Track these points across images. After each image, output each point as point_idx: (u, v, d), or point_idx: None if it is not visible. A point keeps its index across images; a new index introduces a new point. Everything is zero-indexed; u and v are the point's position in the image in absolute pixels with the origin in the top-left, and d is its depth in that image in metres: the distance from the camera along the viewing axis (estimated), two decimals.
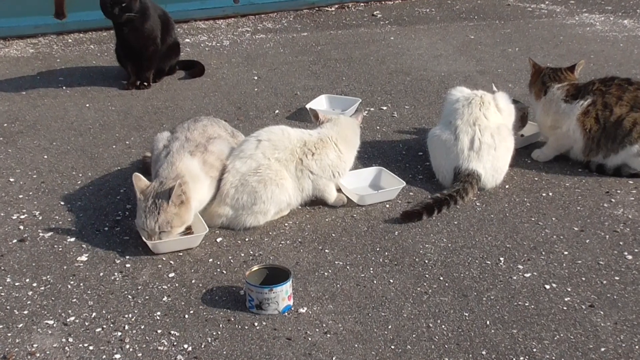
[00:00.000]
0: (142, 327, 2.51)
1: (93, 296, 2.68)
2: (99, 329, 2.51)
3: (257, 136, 3.17)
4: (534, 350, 2.38)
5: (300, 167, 3.12)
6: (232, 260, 2.89)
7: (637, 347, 2.40)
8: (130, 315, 2.57)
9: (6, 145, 3.98)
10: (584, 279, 2.74)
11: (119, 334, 2.48)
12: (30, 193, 3.46)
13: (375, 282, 2.74)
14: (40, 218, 3.23)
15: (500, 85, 4.75)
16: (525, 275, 2.77)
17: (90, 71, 5.24)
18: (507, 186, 3.46)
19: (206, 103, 4.59)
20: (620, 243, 2.98)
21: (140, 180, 2.92)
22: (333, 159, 3.18)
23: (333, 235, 3.07)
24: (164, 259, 2.90)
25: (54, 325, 2.53)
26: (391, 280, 2.74)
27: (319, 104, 4.39)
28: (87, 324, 2.53)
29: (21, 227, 3.15)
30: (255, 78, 5.05)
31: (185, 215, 2.89)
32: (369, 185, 3.47)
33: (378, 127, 4.16)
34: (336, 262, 2.87)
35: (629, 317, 2.53)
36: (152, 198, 2.85)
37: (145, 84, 4.83)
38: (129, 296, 2.67)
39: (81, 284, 2.75)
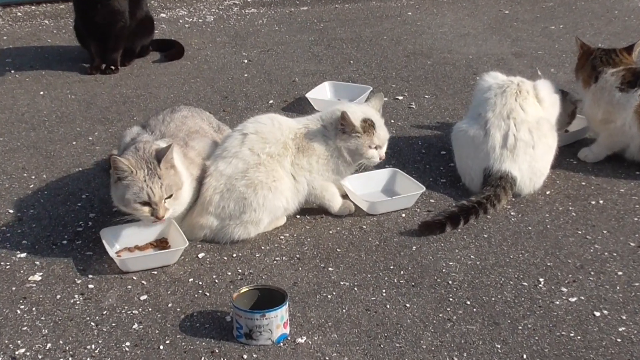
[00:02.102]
0: None
1: (48, 323, 2.70)
2: None
3: (242, 129, 3.20)
4: None
5: (295, 163, 3.16)
6: (216, 280, 2.92)
7: None
8: (93, 347, 2.59)
9: None
10: None
11: None
12: None
13: (388, 306, 2.76)
14: None
15: (541, 70, 4.78)
16: (570, 299, 2.79)
17: (45, 52, 5.27)
18: (548, 192, 3.48)
19: (186, 91, 4.62)
20: None
21: (121, 161, 2.91)
22: (321, 154, 3.20)
23: (338, 250, 3.10)
24: (134, 278, 2.92)
25: (0, 359, 2.55)
26: (408, 305, 2.77)
27: (322, 92, 4.42)
28: (40, 357, 2.55)
29: None
30: (245, 61, 5.08)
31: (178, 177, 2.99)
32: (382, 190, 3.50)
33: (392, 121, 4.19)
34: (341, 283, 2.89)
35: None
36: (144, 166, 2.92)
37: (112, 67, 4.86)
38: (92, 323, 2.70)
39: (34, 309, 2.77)
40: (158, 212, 2.93)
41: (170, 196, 2.95)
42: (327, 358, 2.52)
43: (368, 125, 3.18)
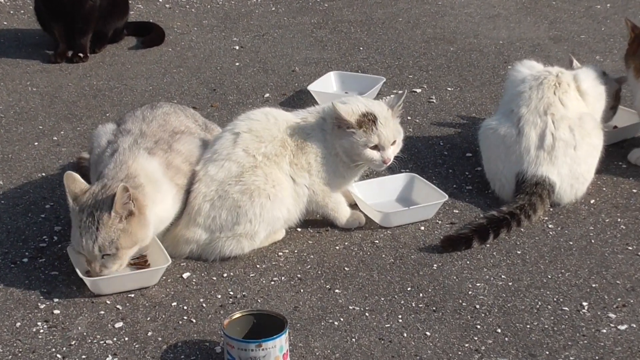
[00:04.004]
0: None
1: (6, 356, 2.71)
2: None
3: (234, 128, 3.23)
4: None
5: (294, 162, 3.19)
6: (204, 304, 2.94)
7: None
8: None
9: None
10: None
11: None
12: None
13: (405, 335, 2.78)
14: None
15: (584, 57, 4.79)
16: (619, 327, 2.80)
17: (1, 35, 5.29)
18: (592, 201, 3.50)
19: (167, 83, 4.64)
20: None
21: (74, 182, 2.97)
22: (319, 152, 3.22)
23: (346, 269, 3.12)
24: (108, 302, 2.94)
25: None
26: (428, 333, 2.79)
27: (326, 84, 4.45)
28: None
29: None
30: (237, 48, 5.10)
31: (139, 231, 2.94)
32: (397, 199, 3.52)
33: (409, 118, 4.21)
34: (350, 307, 2.91)
35: None
36: (89, 208, 2.90)
37: (81, 54, 4.89)
38: (58, 355, 2.71)
39: None
40: (91, 269, 2.93)
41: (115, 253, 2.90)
42: None
43: (368, 120, 3.16)
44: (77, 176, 2.98)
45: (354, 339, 2.76)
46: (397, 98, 3.28)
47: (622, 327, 2.79)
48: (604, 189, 3.58)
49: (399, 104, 3.25)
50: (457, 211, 3.44)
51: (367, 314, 2.87)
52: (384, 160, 3.21)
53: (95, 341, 2.76)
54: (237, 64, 4.86)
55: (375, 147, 3.19)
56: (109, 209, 2.87)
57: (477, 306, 2.90)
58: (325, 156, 3.23)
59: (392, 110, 3.24)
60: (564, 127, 3.38)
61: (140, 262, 3.09)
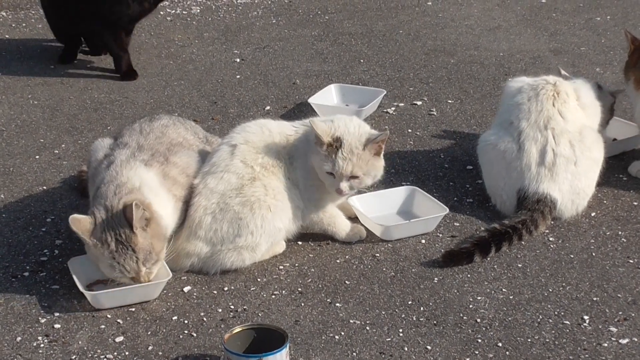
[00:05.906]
0: None
1: None
2: None
3: (230, 140, 3.25)
4: None
5: (287, 176, 3.20)
6: (205, 318, 2.94)
7: None
8: None
9: None
10: None
11: None
12: None
13: (406, 349, 2.78)
14: None
15: (584, 69, 4.81)
16: (620, 341, 2.80)
17: (2, 49, 5.30)
18: (593, 214, 3.50)
19: (168, 95, 4.65)
20: None
21: (80, 222, 2.94)
22: (304, 164, 3.21)
23: (347, 282, 3.12)
24: (108, 316, 2.94)
25: None
26: (429, 347, 2.79)
27: (327, 97, 4.45)
28: None
29: None
30: (238, 60, 5.11)
31: (161, 231, 2.99)
32: (398, 212, 3.52)
33: (410, 130, 4.21)
34: (351, 321, 2.91)
35: None
36: (112, 237, 2.90)
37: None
38: None
39: None
40: (139, 280, 2.96)
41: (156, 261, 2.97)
42: None
43: (334, 146, 3.11)
44: (79, 215, 2.97)
45: (354, 353, 2.76)
46: (378, 136, 3.14)
47: (624, 341, 2.79)
48: (605, 201, 3.58)
49: (375, 140, 3.12)
50: (458, 224, 3.44)
51: (367, 328, 2.87)
52: (336, 189, 3.15)
53: (95, 355, 2.76)
54: (238, 76, 4.87)
55: (332, 174, 3.14)
56: (130, 227, 2.89)
57: (478, 320, 2.90)
58: (309, 170, 3.22)
59: (365, 146, 3.12)
60: (564, 143, 3.37)
61: None
